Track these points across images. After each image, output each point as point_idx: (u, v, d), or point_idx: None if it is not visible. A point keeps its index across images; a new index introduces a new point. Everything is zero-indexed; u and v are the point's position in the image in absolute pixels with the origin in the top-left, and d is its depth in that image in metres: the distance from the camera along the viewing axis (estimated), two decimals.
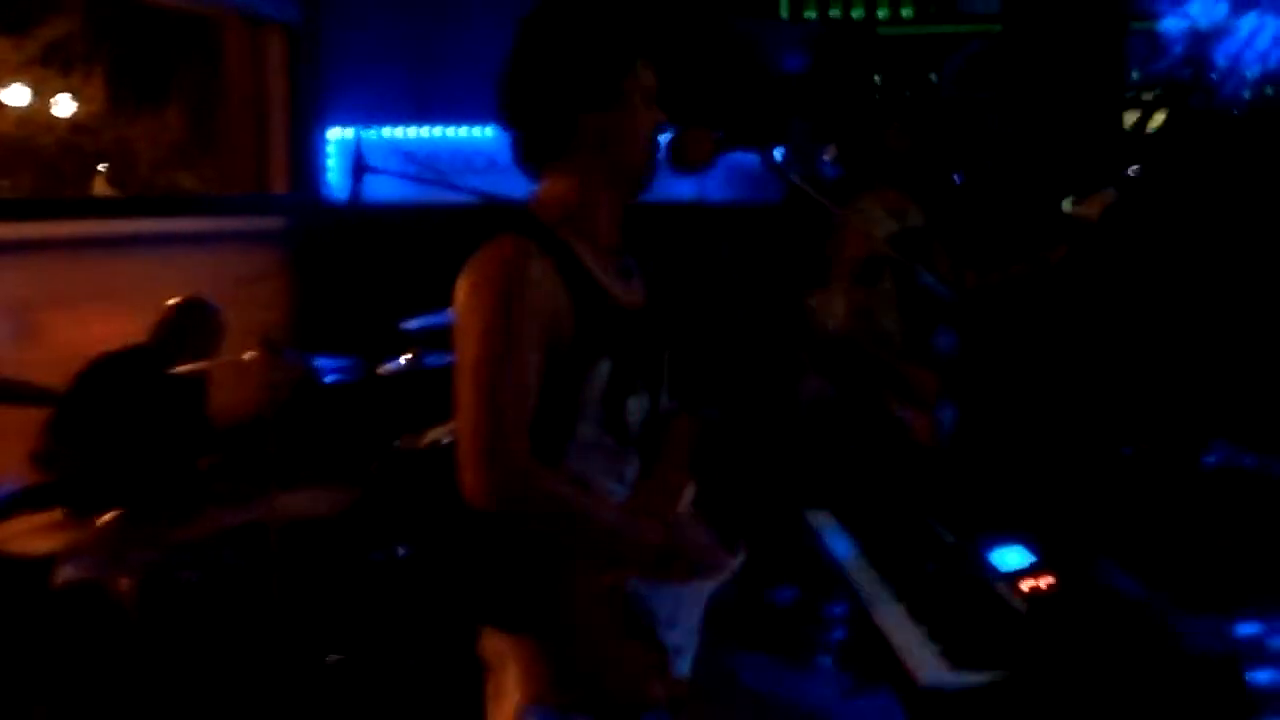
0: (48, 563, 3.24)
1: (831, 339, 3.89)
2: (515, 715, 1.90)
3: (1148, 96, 6.68)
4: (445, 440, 3.72)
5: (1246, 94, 6.39)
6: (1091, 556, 2.22)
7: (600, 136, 1.91)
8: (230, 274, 5.41)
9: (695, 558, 1.89)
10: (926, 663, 1.84)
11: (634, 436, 1.95)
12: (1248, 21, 6.50)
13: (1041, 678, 1.77)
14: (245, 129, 6.46)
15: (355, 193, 3.84)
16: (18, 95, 10.52)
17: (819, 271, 3.82)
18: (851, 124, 4.10)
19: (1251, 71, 6.51)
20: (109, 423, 3.72)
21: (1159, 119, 6.19)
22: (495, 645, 1.94)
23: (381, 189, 4.01)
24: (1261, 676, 1.99)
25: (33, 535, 3.09)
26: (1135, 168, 3.93)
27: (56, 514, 3.72)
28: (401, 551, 3.56)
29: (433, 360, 3.96)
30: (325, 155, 6.26)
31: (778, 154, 1.90)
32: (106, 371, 3.87)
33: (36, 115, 10.71)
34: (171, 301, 3.96)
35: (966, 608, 2.00)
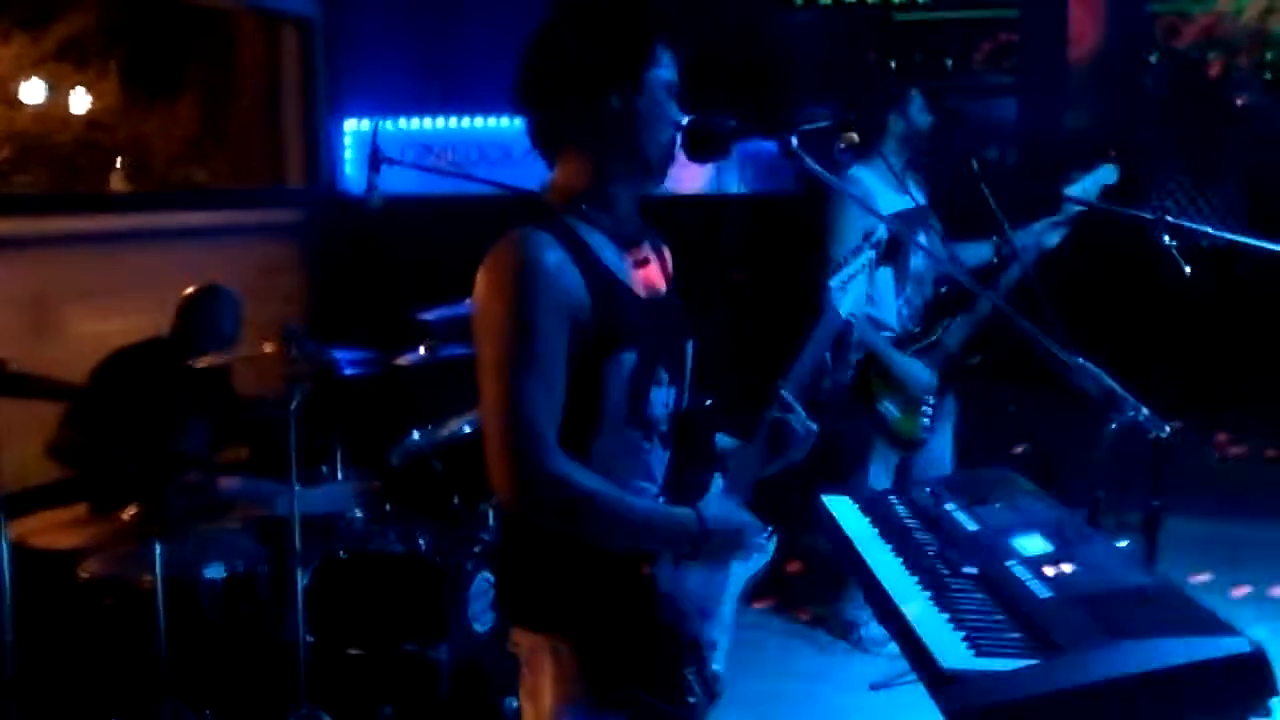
0: (72, 557, 3.27)
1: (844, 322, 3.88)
2: (550, 714, 1.90)
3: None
4: (466, 430, 3.72)
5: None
6: (1112, 545, 2.21)
7: (619, 123, 1.89)
8: (247, 267, 5.43)
9: (733, 546, 1.90)
10: (952, 651, 1.83)
11: (660, 428, 1.95)
12: None
13: (1067, 664, 1.76)
14: (260, 122, 6.47)
15: (372, 184, 3.84)
16: (34, 91, 10.53)
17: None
18: (868, 109, 4.08)
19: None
20: (128, 415, 3.73)
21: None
22: (527, 642, 1.94)
23: (398, 180, 4.00)
24: None
25: (57, 530, 3.11)
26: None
27: (79, 509, 3.76)
28: (424, 543, 3.56)
29: (451, 351, 3.96)
30: (341, 147, 6.27)
31: (793, 142, 1.90)
32: (125, 364, 3.88)
33: (53, 111, 10.73)
34: (189, 290, 3.96)
35: (989, 594, 1.99)
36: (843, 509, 2.57)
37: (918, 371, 3.99)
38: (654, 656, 1.88)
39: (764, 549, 2.10)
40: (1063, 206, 3.99)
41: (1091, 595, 1.92)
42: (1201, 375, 5.86)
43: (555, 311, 1.78)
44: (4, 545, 3.18)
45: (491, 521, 3.74)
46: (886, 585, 2.14)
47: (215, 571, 3.38)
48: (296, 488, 3.25)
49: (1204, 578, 4.56)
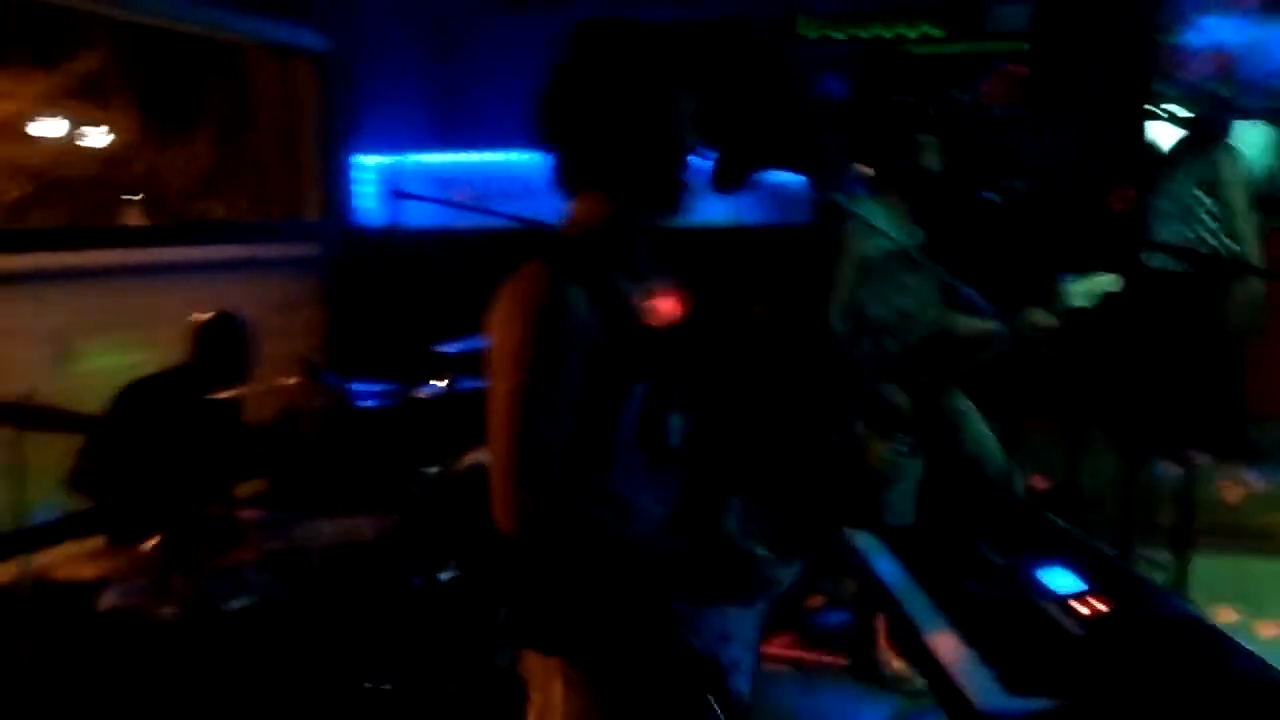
0: (91, 589, 3.26)
1: (837, 343, 3.89)
2: None
3: (1171, 109, 6.70)
4: (484, 463, 3.71)
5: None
6: (1144, 582, 2.20)
7: (639, 160, 1.90)
8: (265, 300, 5.44)
9: (737, 577, 1.88)
10: (983, 688, 1.81)
11: (673, 455, 1.95)
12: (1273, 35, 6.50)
13: (1103, 704, 1.75)
14: (276, 157, 6.51)
15: (393, 218, 3.86)
16: (51, 128, 10.63)
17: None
18: (886, 142, 4.10)
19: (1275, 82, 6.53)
20: (145, 446, 3.72)
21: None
22: (536, 666, 1.93)
23: (414, 214, 4.03)
24: None
25: (76, 562, 3.11)
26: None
27: (98, 541, 3.75)
28: (442, 576, 3.55)
29: (468, 384, 3.97)
30: (357, 182, 6.30)
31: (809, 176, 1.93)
32: (142, 394, 3.88)
33: (69, 147, 10.82)
34: (200, 317, 3.96)
35: (1021, 632, 1.97)
36: (868, 544, 2.56)
37: (899, 401, 3.97)
38: (669, 680, 1.87)
39: (782, 576, 2.09)
40: (1058, 296, 3.98)
41: (1125, 633, 1.91)
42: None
43: (569, 346, 1.79)
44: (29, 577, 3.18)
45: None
46: (915, 621, 2.12)
47: (235, 604, 3.37)
48: (316, 519, 3.25)
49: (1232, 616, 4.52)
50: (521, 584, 1.95)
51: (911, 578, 2.34)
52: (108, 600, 3.32)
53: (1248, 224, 5.53)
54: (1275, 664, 1.77)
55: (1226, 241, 5.53)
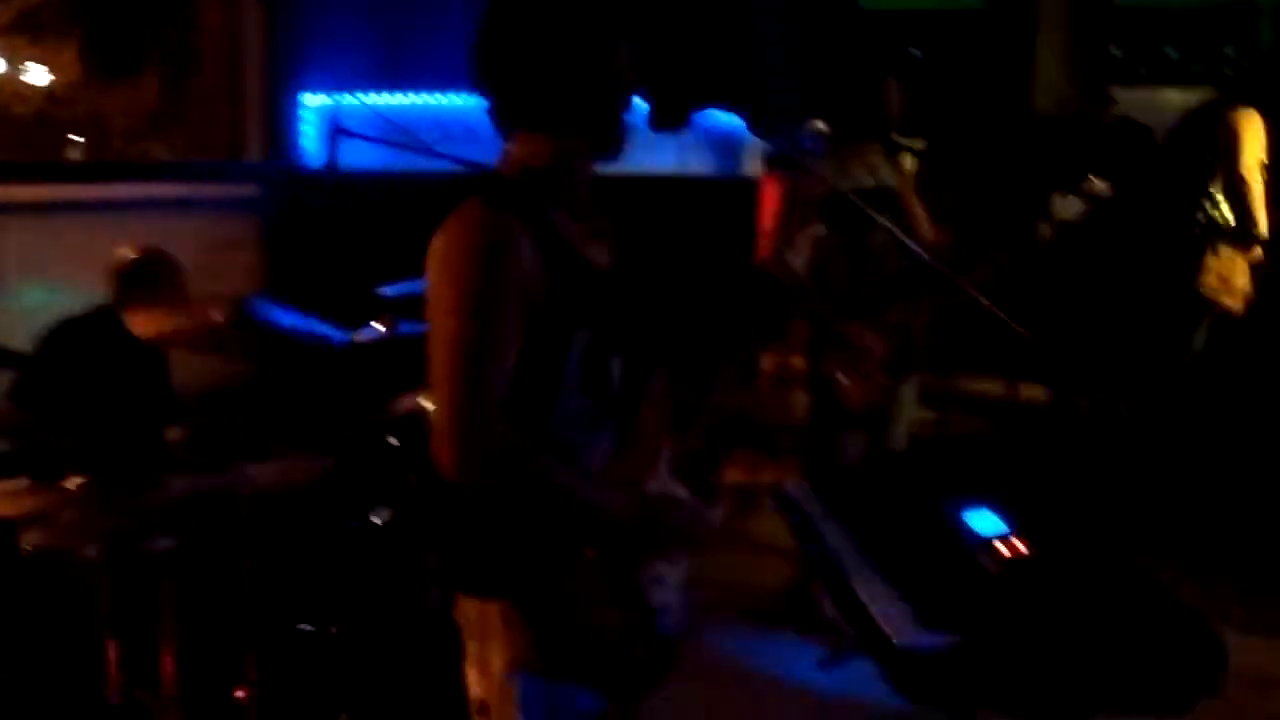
0: (12, 527, 3.20)
1: (794, 287, 3.88)
2: (501, 681, 1.88)
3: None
4: (421, 407, 3.68)
5: None
6: (1066, 524, 2.21)
7: (578, 99, 1.87)
8: (205, 241, 5.36)
9: (674, 529, 1.88)
10: (902, 627, 1.82)
11: (613, 401, 1.93)
12: None
13: (1019, 639, 1.76)
14: (220, 97, 6.39)
15: (332, 158, 3.79)
16: None
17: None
18: (838, 92, 4.08)
19: None
20: (71, 386, 3.65)
21: None
22: (473, 612, 1.92)
23: (358, 156, 3.96)
24: None
25: None
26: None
27: (21, 480, 3.68)
28: (377, 519, 3.52)
29: (408, 328, 3.92)
30: (300, 121, 6.20)
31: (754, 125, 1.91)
32: (70, 332, 3.81)
33: (10, 84, 10.57)
34: (125, 252, 3.87)
35: (942, 573, 1.98)
36: (799, 490, 2.56)
37: (869, 340, 3.97)
38: (605, 624, 1.86)
39: (711, 514, 2.09)
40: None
41: (1040, 573, 1.93)
42: None
43: (509, 286, 1.76)
44: None
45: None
46: (839, 562, 2.13)
47: (161, 544, 3.32)
48: (246, 462, 3.20)
49: None
50: (459, 528, 1.93)
51: (838, 520, 2.34)
52: (31, 538, 3.26)
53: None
54: None
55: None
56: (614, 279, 1.96)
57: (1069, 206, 4.07)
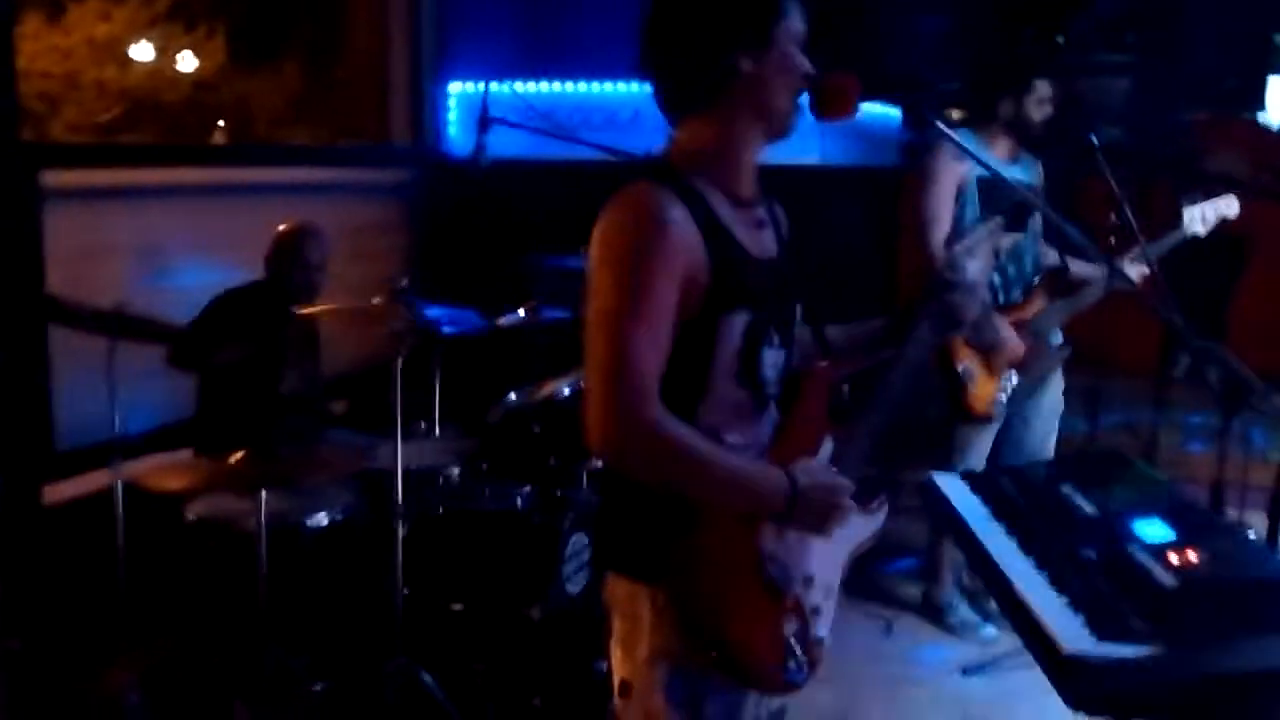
0: (180, 499, 3.35)
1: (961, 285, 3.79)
2: (644, 665, 1.88)
3: None
4: (564, 392, 3.73)
5: None
6: (1236, 535, 2.14)
7: (748, 83, 1.86)
8: (351, 225, 5.48)
9: (827, 510, 1.85)
10: (1071, 633, 1.78)
11: (770, 390, 1.92)
12: None
13: (1193, 655, 1.71)
14: (366, 84, 6.53)
15: (480, 145, 3.85)
16: (144, 51, 10.80)
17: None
18: (989, 84, 3.99)
19: None
20: (232, 355, 3.78)
21: None
22: (622, 592, 1.92)
23: (502, 144, 4.01)
24: None
25: (166, 472, 3.17)
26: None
27: (187, 453, 3.84)
28: (520, 502, 3.58)
29: (551, 313, 3.97)
30: (446, 109, 6.30)
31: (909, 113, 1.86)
32: (229, 306, 3.95)
33: (161, 71, 10.98)
34: (281, 228, 4.04)
35: (1111, 580, 1.93)
36: (954, 488, 2.52)
37: (1010, 338, 3.89)
38: (754, 622, 1.85)
39: (871, 517, 2.07)
40: (1179, 226, 3.92)
41: (1217, 585, 1.87)
42: None
43: (671, 267, 1.76)
44: (119, 486, 3.26)
45: (585, 484, 3.75)
46: (1003, 566, 2.09)
47: (317, 520, 3.43)
48: (397, 441, 3.28)
49: None
50: (611, 508, 1.95)
51: (998, 522, 2.30)
52: (196, 509, 3.40)
53: None
54: None
55: None
56: (775, 267, 1.95)
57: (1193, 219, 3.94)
